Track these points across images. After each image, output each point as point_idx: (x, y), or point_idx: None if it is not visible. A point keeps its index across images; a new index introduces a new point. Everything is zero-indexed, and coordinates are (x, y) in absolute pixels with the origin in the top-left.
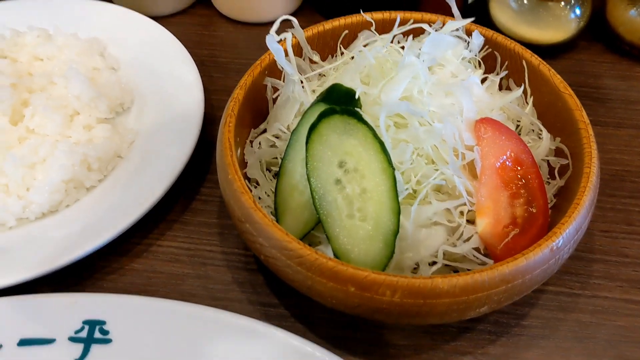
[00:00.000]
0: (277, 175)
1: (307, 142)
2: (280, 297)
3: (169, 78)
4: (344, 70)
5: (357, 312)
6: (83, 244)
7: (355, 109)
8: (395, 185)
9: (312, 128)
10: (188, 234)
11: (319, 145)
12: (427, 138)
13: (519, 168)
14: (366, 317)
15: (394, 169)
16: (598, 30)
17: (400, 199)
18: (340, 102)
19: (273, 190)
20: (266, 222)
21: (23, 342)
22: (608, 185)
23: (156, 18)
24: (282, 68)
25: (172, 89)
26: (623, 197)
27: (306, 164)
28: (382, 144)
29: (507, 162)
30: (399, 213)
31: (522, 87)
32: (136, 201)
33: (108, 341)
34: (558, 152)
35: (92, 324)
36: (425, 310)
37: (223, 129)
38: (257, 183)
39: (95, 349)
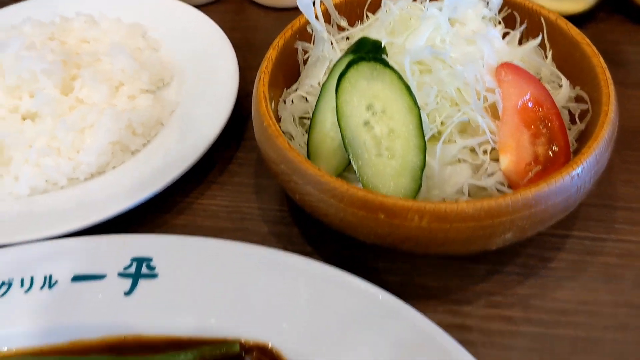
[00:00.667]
0: (309, 128)
1: (336, 90)
2: (314, 246)
3: (205, 56)
4: (370, 27)
5: (388, 241)
6: (129, 198)
7: (382, 56)
8: (421, 123)
9: (341, 76)
10: (226, 193)
11: (348, 91)
12: (450, 81)
13: (539, 109)
14: (396, 246)
15: (419, 109)
16: (617, 2)
17: (426, 139)
18: (367, 53)
19: (305, 142)
20: (300, 159)
21: (76, 278)
22: (631, 141)
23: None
24: (312, 30)
25: (209, 66)
26: None
27: (336, 110)
28: (407, 87)
29: (528, 104)
30: (425, 149)
31: (540, 36)
32: (177, 162)
33: (154, 276)
34: (578, 100)
35: (139, 260)
36: (452, 237)
37: (257, 83)
38: (291, 137)
39: (142, 283)
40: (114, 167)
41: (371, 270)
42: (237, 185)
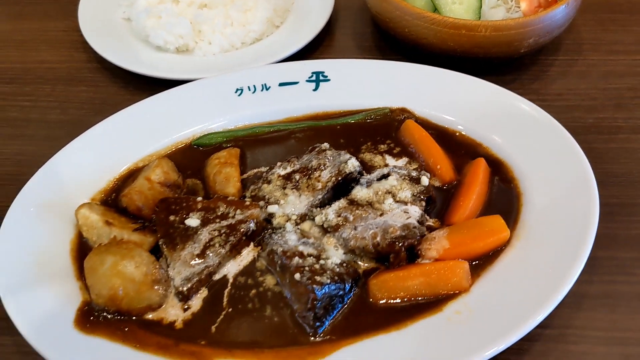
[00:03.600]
0: None
1: None
2: None
3: None
4: None
5: (466, 48)
6: (288, 50)
7: None
8: None
9: None
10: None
11: None
12: None
13: None
14: (468, 51)
15: None
16: None
17: None
18: None
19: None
20: (409, 6)
21: (281, 84)
22: None
23: None
24: None
25: None
26: None
27: None
28: None
29: None
30: None
31: None
32: (306, 32)
33: (328, 80)
34: None
35: (317, 73)
36: (502, 41)
37: None
38: None
39: (322, 84)
40: (267, 36)
41: None
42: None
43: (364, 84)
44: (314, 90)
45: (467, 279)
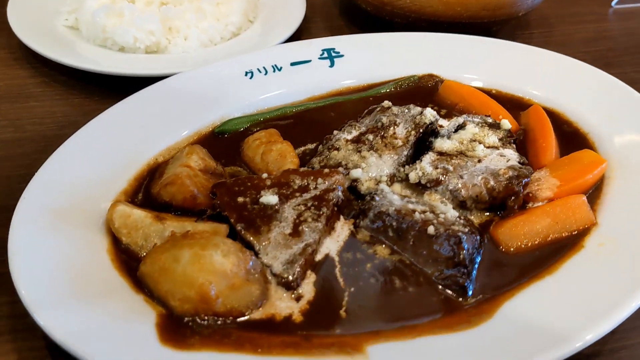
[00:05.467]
0: None
1: None
2: None
3: None
4: None
5: (471, 12)
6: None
7: None
8: None
9: None
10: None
11: None
12: None
13: None
14: (474, 17)
15: None
16: None
17: None
18: None
19: None
20: None
21: (293, 64)
22: None
23: None
24: None
25: None
26: None
27: None
28: None
29: None
30: None
31: None
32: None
33: (342, 55)
34: None
35: (328, 50)
36: (508, 1)
37: None
38: None
39: (336, 60)
40: (245, 30)
41: None
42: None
43: (379, 56)
44: (330, 66)
45: (591, 212)
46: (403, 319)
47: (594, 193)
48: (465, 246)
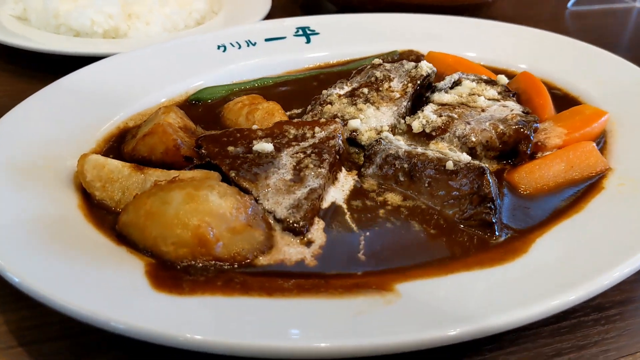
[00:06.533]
0: None
1: None
2: None
3: None
4: None
5: None
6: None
7: None
8: None
9: None
10: None
11: None
12: None
13: None
14: None
15: None
16: None
17: None
18: None
19: None
20: None
21: (267, 40)
22: None
23: None
24: None
25: None
26: None
27: None
28: None
29: None
30: None
31: None
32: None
33: (317, 33)
34: None
35: (302, 28)
36: None
37: None
38: None
39: (312, 38)
40: (209, 20)
41: None
42: None
43: (357, 34)
44: (307, 43)
45: (603, 158)
46: (429, 259)
47: (599, 145)
48: (490, 180)
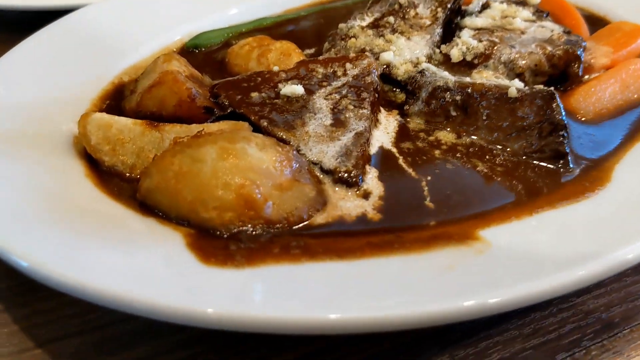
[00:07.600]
0: None
1: None
2: None
3: None
4: None
5: None
6: None
7: None
8: None
9: None
10: None
11: None
12: None
13: None
14: None
15: None
16: None
17: None
18: None
19: None
20: None
21: None
22: None
23: None
24: None
25: None
26: None
27: None
28: None
29: None
30: None
31: None
32: None
33: None
34: None
35: None
36: None
37: None
38: None
39: None
40: None
41: None
42: None
43: None
44: None
45: None
46: (505, 199)
47: None
48: (561, 105)
